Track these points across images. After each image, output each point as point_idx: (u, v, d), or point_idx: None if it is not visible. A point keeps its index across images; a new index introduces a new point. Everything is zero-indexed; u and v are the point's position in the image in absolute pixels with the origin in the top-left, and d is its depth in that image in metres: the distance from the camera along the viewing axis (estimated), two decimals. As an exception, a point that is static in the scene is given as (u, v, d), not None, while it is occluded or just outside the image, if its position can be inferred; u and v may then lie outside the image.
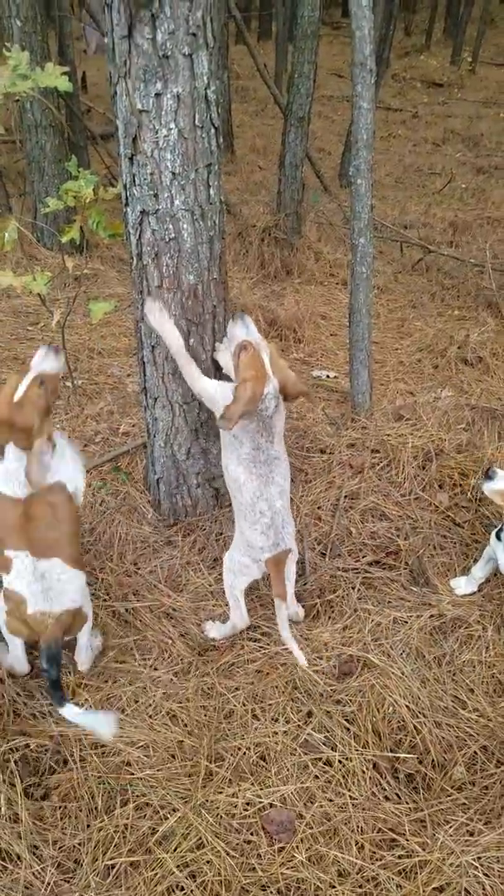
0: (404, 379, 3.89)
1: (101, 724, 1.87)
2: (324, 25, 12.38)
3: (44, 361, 2.04)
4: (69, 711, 1.86)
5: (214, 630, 2.33)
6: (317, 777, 1.94)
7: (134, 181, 2.08)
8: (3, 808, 1.80)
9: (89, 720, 1.88)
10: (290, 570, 2.24)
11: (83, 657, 2.18)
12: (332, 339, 4.49)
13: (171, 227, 2.13)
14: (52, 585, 2.00)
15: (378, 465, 3.00)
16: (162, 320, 2.23)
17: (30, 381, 1.98)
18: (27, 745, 1.97)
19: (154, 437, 2.65)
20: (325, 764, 1.97)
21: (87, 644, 2.17)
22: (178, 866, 1.72)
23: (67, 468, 2.09)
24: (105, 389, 3.70)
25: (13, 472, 2.00)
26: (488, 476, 2.25)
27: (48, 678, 1.90)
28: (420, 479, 2.91)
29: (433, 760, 1.98)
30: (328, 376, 3.98)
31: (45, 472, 1.96)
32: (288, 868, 1.75)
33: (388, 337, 4.45)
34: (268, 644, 2.31)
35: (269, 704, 2.11)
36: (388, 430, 3.17)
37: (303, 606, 2.42)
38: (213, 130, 2.05)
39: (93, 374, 3.84)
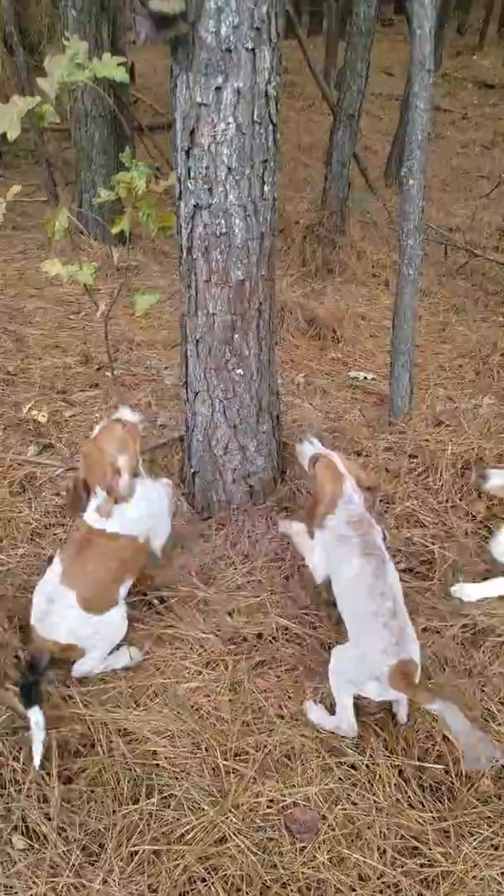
0: (444, 384, 3.84)
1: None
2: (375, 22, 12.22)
3: (122, 411, 2.34)
4: (34, 714, 1.88)
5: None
6: (341, 780, 1.93)
7: (189, 174, 2.09)
8: (33, 789, 1.83)
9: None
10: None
11: (77, 668, 2.16)
12: (371, 340, 4.45)
13: (223, 221, 2.14)
14: (53, 611, 2.06)
15: (415, 470, 2.97)
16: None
17: (110, 421, 2.27)
18: (57, 728, 2.00)
19: (193, 431, 2.66)
20: (350, 767, 1.97)
21: (86, 667, 2.16)
22: (199, 859, 1.73)
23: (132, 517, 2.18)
24: (143, 381, 3.72)
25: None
26: (483, 478, 2.51)
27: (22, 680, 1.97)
28: (458, 487, 2.88)
29: (460, 772, 1.96)
30: (366, 378, 3.95)
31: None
32: (309, 868, 1.75)
33: (430, 341, 4.40)
34: (300, 646, 2.30)
35: (298, 704, 2.11)
36: (427, 436, 3.14)
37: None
38: (270, 126, 2.05)
39: (131, 365, 3.87)
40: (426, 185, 3.05)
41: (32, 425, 3.20)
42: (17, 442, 3.09)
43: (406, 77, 5.44)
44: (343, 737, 2.02)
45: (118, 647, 2.20)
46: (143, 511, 2.22)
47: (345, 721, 2.01)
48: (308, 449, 2.36)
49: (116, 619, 2.16)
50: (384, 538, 2.25)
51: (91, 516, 2.15)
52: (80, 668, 2.15)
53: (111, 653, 2.18)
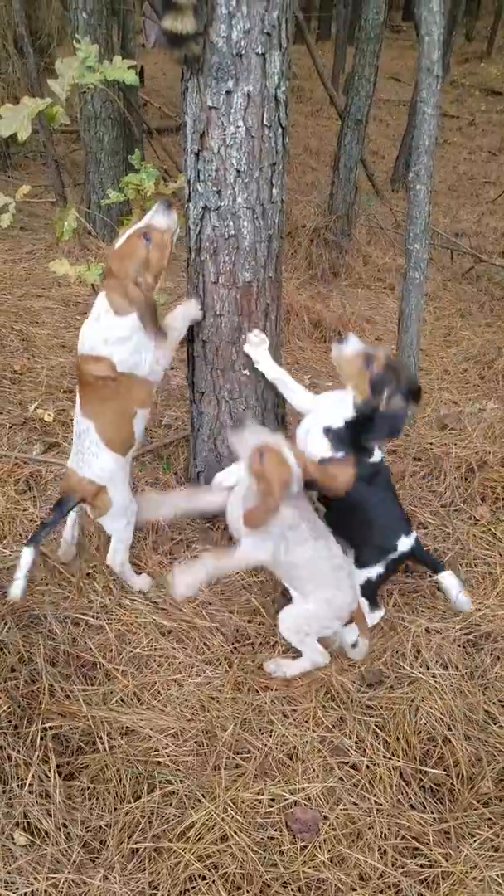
0: (449, 388, 3.85)
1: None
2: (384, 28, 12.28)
3: (153, 216, 2.12)
4: (25, 553, 2.08)
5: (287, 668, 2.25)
6: (343, 779, 1.94)
7: (198, 177, 2.11)
8: (34, 785, 1.84)
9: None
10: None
11: (111, 558, 2.38)
12: (376, 343, 4.46)
13: (231, 223, 2.15)
14: (82, 450, 2.22)
15: (419, 473, 2.98)
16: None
17: (131, 232, 2.09)
18: (60, 726, 2.01)
19: (198, 430, 2.68)
20: (351, 768, 1.98)
21: (113, 539, 2.36)
22: (200, 857, 1.74)
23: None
24: (149, 381, 3.74)
25: (94, 322, 2.16)
26: (340, 341, 2.29)
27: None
28: (462, 491, 2.88)
29: (461, 773, 1.97)
30: (371, 381, 3.96)
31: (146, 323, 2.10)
32: (310, 867, 1.75)
33: (435, 345, 4.41)
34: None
35: (301, 704, 2.12)
36: (431, 439, 3.15)
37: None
38: (280, 130, 2.07)
39: (138, 365, 3.88)
40: (433, 190, 3.07)
41: (38, 424, 3.22)
42: (22, 440, 3.11)
43: (414, 83, 5.47)
44: (342, 734, 2.03)
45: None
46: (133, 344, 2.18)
47: (316, 653, 2.20)
48: (250, 438, 2.08)
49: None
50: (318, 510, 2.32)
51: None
52: (113, 558, 2.37)
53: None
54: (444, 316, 4.84)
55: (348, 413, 2.26)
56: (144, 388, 2.29)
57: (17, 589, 2.10)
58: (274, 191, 2.16)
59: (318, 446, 2.28)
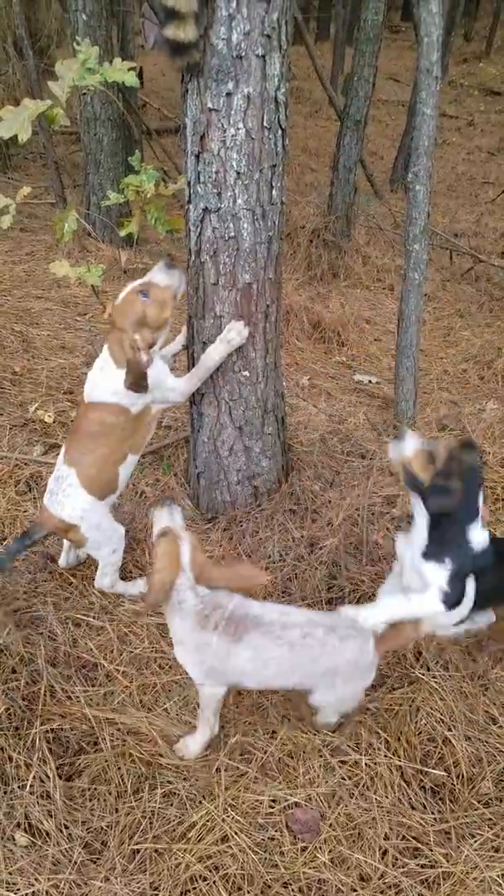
0: (449, 388, 3.86)
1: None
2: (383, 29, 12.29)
3: (154, 273, 2.18)
4: None
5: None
6: (343, 780, 1.95)
7: (199, 178, 2.11)
8: (35, 786, 1.85)
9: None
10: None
11: (97, 575, 2.41)
12: (375, 344, 4.47)
13: (231, 225, 2.16)
14: (57, 491, 2.23)
15: (419, 473, 2.97)
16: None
17: (130, 289, 2.14)
18: (60, 727, 2.01)
19: (198, 432, 2.68)
20: (352, 767, 1.98)
21: (100, 564, 2.38)
22: (201, 858, 1.74)
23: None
24: (149, 382, 3.74)
25: (99, 372, 2.24)
26: (398, 437, 2.01)
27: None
28: (461, 491, 2.88)
29: (461, 774, 1.97)
30: (370, 381, 3.97)
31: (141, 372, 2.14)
32: (310, 868, 1.76)
33: (434, 345, 4.42)
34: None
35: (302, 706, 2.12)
36: (431, 440, 3.15)
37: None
38: (280, 132, 2.07)
39: (138, 366, 3.89)
40: (432, 190, 3.07)
41: (39, 425, 3.22)
42: (23, 441, 3.11)
43: (413, 83, 5.48)
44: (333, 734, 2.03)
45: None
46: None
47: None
48: (162, 518, 1.93)
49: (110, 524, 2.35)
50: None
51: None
52: (100, 581, 2.40)
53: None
54: (443, 316, 4.85)
55: (422, 532, 1.99)
56: (142, 433, 2.36)
57: None
58: (274, 192, 2.16)
59: (438, 579, 1.93)
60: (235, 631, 1.84)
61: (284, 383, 2.95)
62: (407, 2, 17.25)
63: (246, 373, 2.48)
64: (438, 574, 1.92)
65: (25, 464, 2.95)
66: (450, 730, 2.04)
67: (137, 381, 2.14)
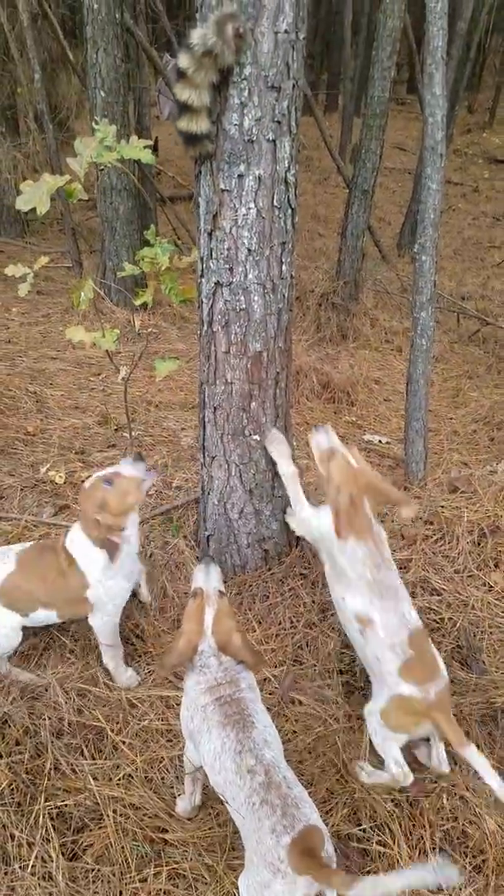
0: (459, 450, 3.86)
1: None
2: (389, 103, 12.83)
3: (122, 464, 2.27)
4: None
5: None
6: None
7: (211, 255, 2.19)
8: (38, 866, 1.78)
9: None
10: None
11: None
12: (385, 404, 4.51)
13: (242, 298, 2.22)
14: None
15: (431, 537, 2.96)
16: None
17: (97, 476, 2.23)
18: (65, 803, 1.96)
19: (208, 494, 2.69)
20: (364, 851, 1.90)
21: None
22: None
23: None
24: (160, 442, 3.78)
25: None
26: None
27: None
28: (475, 556, 2.86)
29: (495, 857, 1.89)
30: (381, 441, 3.99)
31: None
32: None
33: (443, 406, 4.45)
34: (311, 717, 2.26)
35: (309, 785, 2.06)
36: (442, 502, 3.14)
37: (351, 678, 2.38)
38: (289, 211, 2.15)
39: (149, 426, 3.94)
40: (438, 254, 3.16)
41: (49, 486, 3.25)
42: (33, 503, 3.13)
43: (419, 153, 5.68)
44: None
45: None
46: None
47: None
48: (200, 577, 1.90)
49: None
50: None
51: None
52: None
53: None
54: (451, 377, 4.90)
55: None
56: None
57: None
58: (283, 267, 2.23)
59: None
60: (226, 718, 1.73)
61: (294, 443, 2.98)
62: (412, 76, 18.08)
63: (256, 437, 2.51)
64: None
65: (35, 526, 2.96)
66: (471, 811, 1.96)
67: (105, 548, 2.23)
